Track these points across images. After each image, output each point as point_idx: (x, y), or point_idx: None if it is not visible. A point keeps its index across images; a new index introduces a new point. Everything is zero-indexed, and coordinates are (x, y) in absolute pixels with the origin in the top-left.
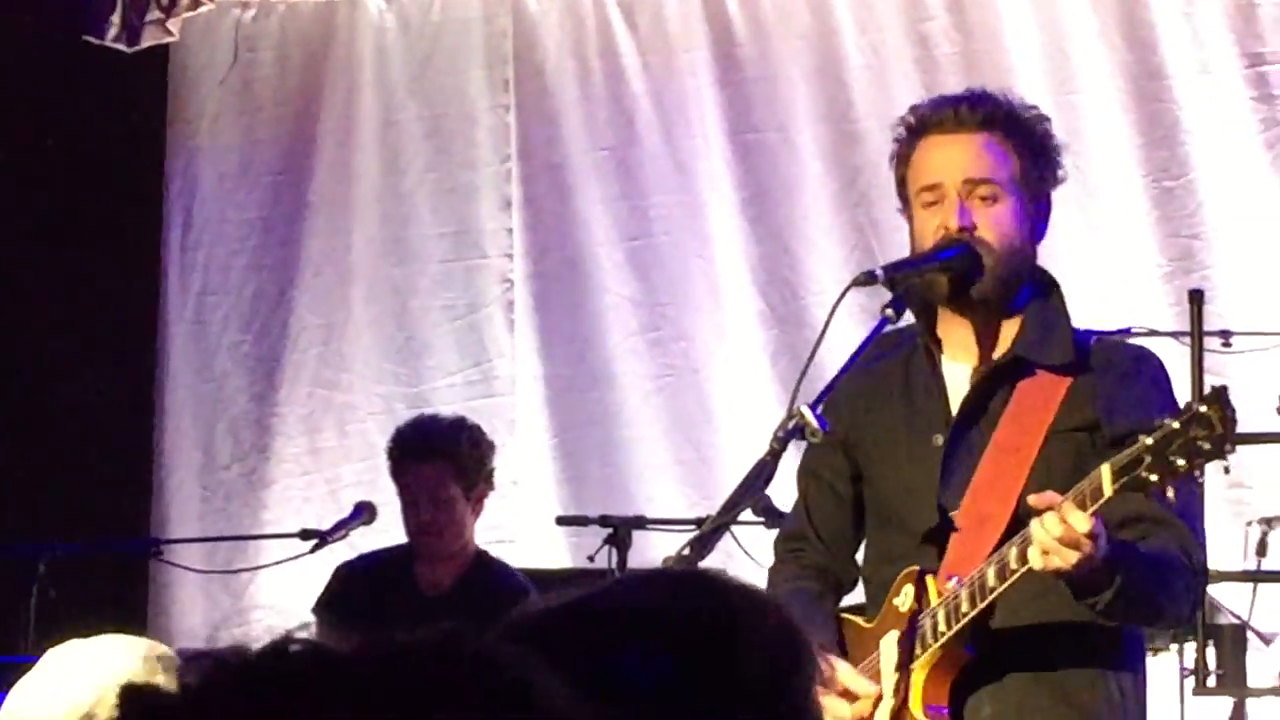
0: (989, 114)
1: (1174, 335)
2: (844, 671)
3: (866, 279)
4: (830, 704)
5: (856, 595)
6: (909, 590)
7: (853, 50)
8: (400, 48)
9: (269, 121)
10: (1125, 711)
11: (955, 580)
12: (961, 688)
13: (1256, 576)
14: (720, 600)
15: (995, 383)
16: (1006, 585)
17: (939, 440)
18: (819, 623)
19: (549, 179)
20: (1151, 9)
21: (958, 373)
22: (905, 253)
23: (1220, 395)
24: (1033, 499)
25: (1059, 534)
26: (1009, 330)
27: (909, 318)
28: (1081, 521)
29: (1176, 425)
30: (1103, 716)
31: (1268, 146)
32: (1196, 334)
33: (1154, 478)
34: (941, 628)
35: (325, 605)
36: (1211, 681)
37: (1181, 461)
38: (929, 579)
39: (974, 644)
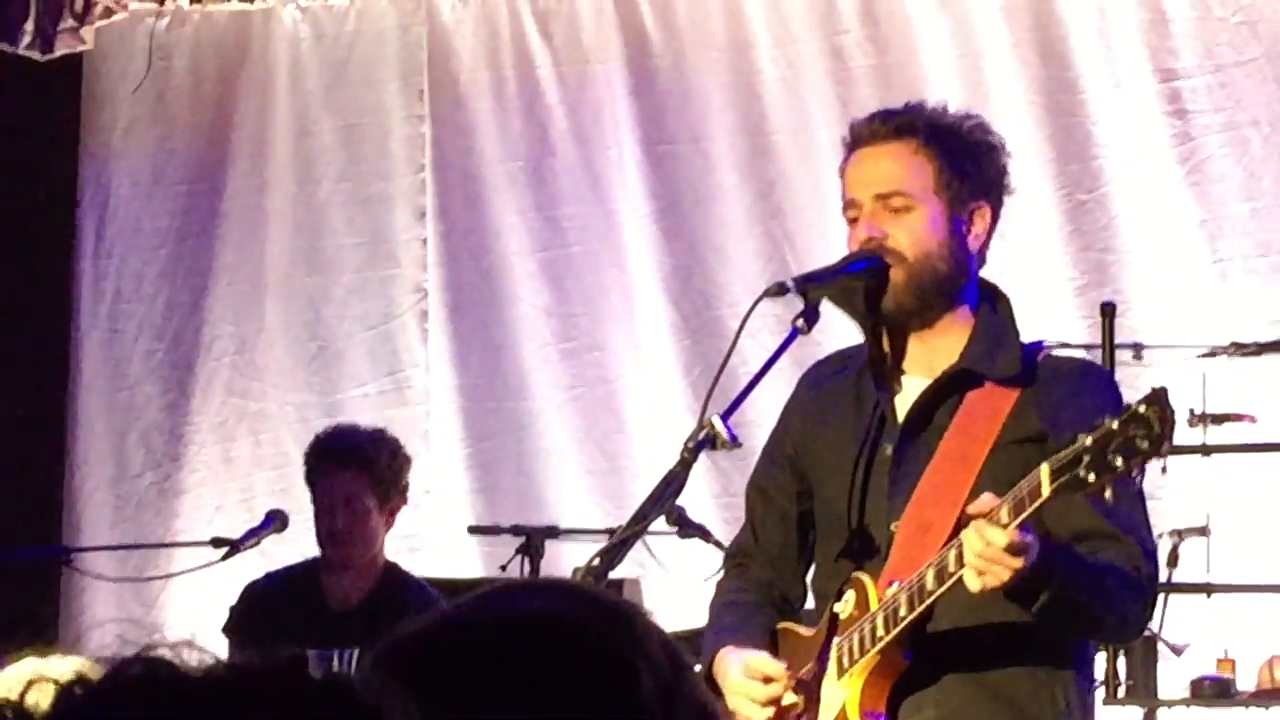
0: (903, 123)
1: (1086, 348)
2: (755, 658)
3: (778, 290)
4: (748, 688)
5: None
6: (850, 596)
7: (767, 63)
8: (315, 57)
9: (183, 130)
10: None
11: (895, 585)
12: (900, 693)
13: (1168, 588)
14: (614, 614)
15: (943, 394)
16: (945, 588)
17: (889, 450)
18: (752, 630)
19: (463, 189)
20: (1066, 24)
21: (910, 385)
22: (820, 264)
23: (1160, 396)
24: (971, 506)
25: (979, 550)
26: (957, 341)
27: (833, 331)
28: (999, 537)
29: (1115, 425)
30: None
31: (1180, 161)
32: (1108, 347)
33: (1091, 477)
34: (880, 632)
35: (234, 627)
36: (1122, 692)
37: (1119, 461)
38: (869, 584)
39: (913, 649)
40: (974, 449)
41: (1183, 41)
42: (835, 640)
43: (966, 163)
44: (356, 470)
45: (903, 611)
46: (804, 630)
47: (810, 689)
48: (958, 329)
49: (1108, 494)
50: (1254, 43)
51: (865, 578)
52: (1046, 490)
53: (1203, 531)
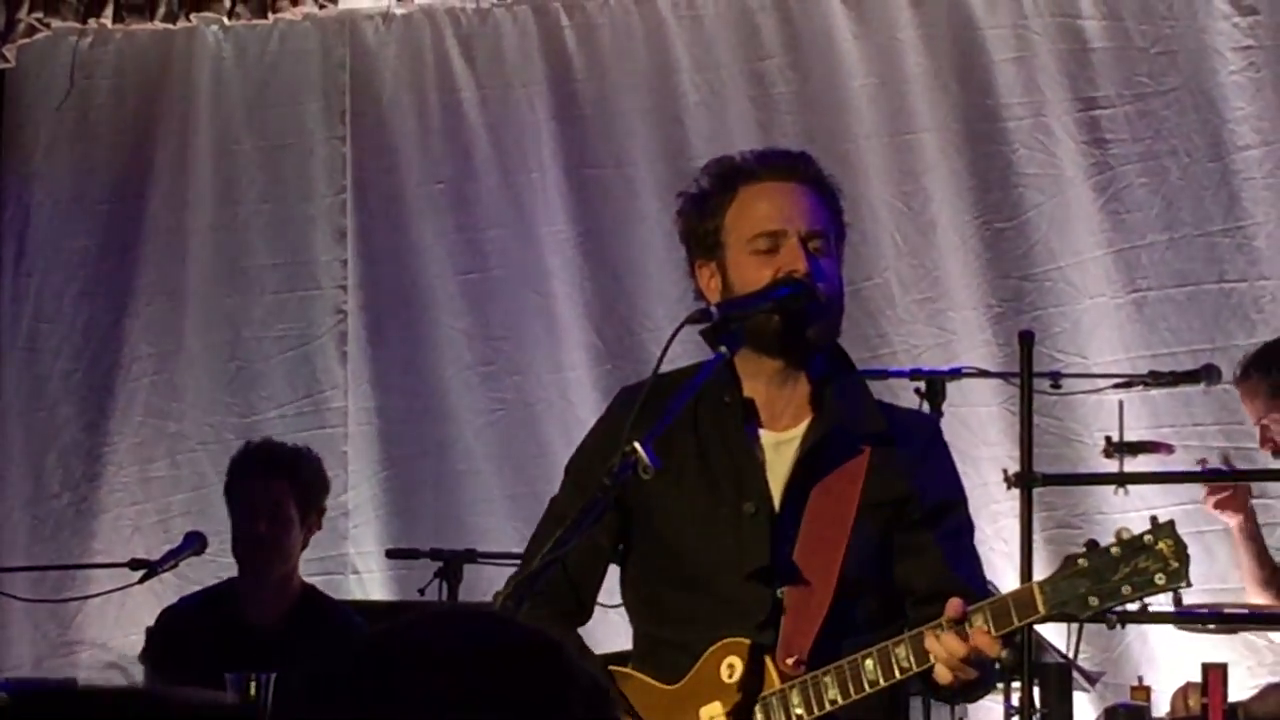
0: (818, 171)
1: (1003, 376)
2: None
3: (701, 316)
4: None
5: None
6: (735, 663)
7: (689, 88)
8: (237, 77)
9: (105, 149)
10: None
11: (795, 659)
12: None
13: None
14: (542, 644)
15: (810, 453)
16: (895, 681)
17: (750, 509)
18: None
19: (384, 211)
20: (987, 53)
21: (765, 438)
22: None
23: (1171, 530)
24: (949, 610)
25: (964, 655)
26: (804, 396)
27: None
28: (993, 648)
29: (1118, 553)
30: None
31: (1099, 190)
32: (1026, 375)
33: (1095, 601)
34: (799, 710)
35: (151, 652)
36: (1036, 719)
37: (1129, 589)
38: (766, 656)
39: None
40: (841, 511)
41: (1103, 71)
42: (718, 705)
43: (843, 225)
44: (282, 479)
45: (832, 694)
46: (657, 683)
47: None
48: (805, 384)
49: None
50: (1173, 73)
51: (757, 647)
52: (1043, 609)
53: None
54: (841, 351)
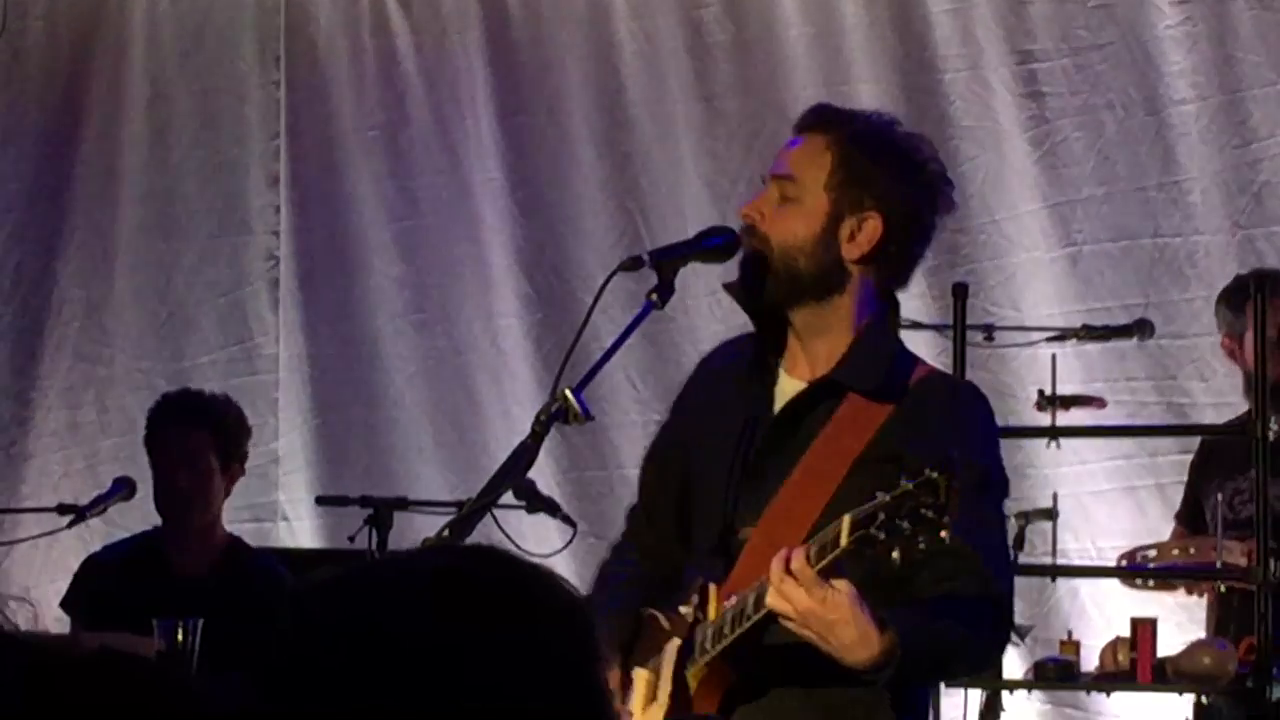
0: (825, 118)
1: (937, 328)
2: None
3: (632, 264)
4: None
5: None
6: (695, 599)
7: (625, 36)
8: (171, 20)
9: (36, 92)
10: None
11: (732, 599)
12: (734, 701)
13: (1013, 570)
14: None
15: (813, 403)
16: (753, 622)
17: (745, 451)
18: (617, 610)
19: (318, 157)
20: (924, 3)
21: (786, 387)
22: (675, 238)
23: (950, 462)
24: (777, 557)
25: (785, 610)
26: (835, 349)
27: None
28: (801, 599)
29: (911, 486)
30: None
31: (1034, 144)
32: (959, 328)
33: (881, 536)
34: (708, 645)
35: (73, 600)
36: None
37: (906, 525)
38: (712, 592)
39: (744, 662)
40: (835, 465)
41: (1040, 24)
42: (677, 641)
43: (869, 169)
44: (201, 429)
45: (726, 630)
46: (664, 620)
47: (650, 684)
48: (835, 336)
49: (895, 555)
50: (1111, 26)
51: (711, 584)
52: (844, 542)
53: (1049, 514)
54: (889, 302)
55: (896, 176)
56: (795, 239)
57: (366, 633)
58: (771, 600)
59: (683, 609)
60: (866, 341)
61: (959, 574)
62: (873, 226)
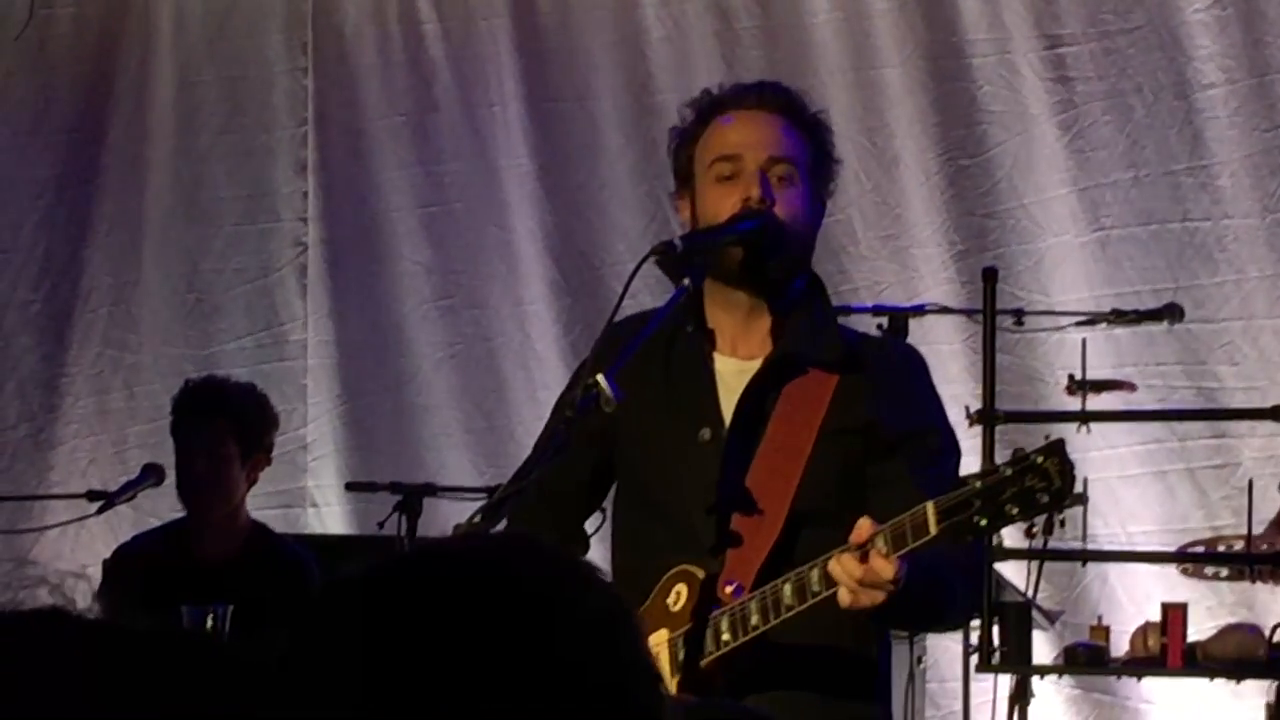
0: (792, 101)
1: (966, 313)
2: None
3: (664, 250)
4: None
5: None
6: (682, 590)
7: (654, 22)
8: (198, 7)
9: (64, 79)
10: None
11: (735, 587)
12: (730, 691)
13: (1043, 555)
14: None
15: (766, 380)
16: (807, 606)
17: (706, 435)
18: None
19: (345, 143)
20: None
21: (724, 366)
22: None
23: (1058, 448)
24: (853, 535)
25: (860, 576)
26: (774, 325)
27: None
28: (888, 570)
29: (1010, 473)
30: None
31: (1063, 128)
32: (989, 312)
33: (983, 522)
34: (725, 636)
35: (104, 591)
36: (995, 659)
37: (1015, 511)
38: (708, 584)
39: (749, 651)
40: (798, 440)
41: (1068, 8)
42: (665, 633)
43: (827, 156)
44: (220, 418)
45: (754, 620)
46: None
47: None
48: (777, 313)
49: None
50: (1139, 10)
51: (699, 574)
52: (933, 530)
53: (1079, 499)
54: (817, 281)
55: (833, 161)
56: (803, 220)
57: (402, 633)
58: (846, 568)
59: (666, 600)
60: (809, 315)
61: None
62: (823, 209)
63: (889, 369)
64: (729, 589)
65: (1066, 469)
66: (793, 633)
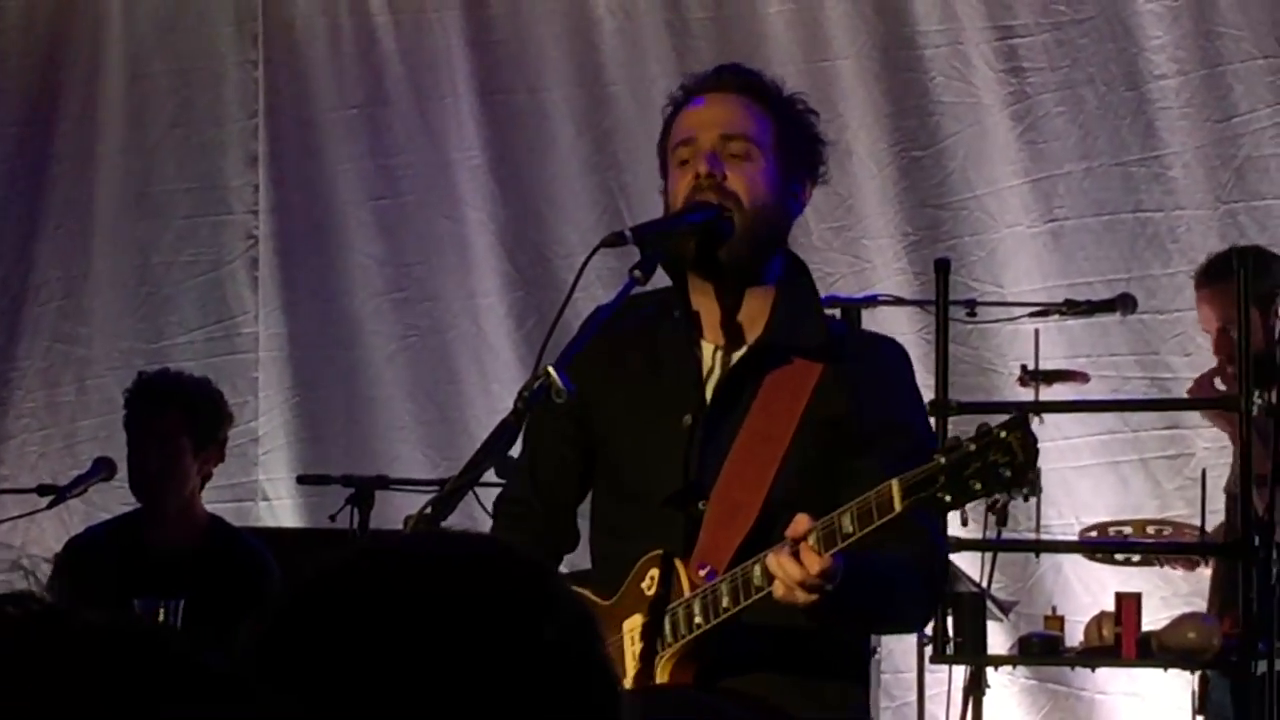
0: (751, 81)
1: (919, 304)
2: None
3: (615, 240)
4: None
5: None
6: (654, 574)
7: (605, 13)
8: (148, 0)
9: (14, 72)
10: None
11: (708, 570)
12: (708, 674)
13: (997, 545)
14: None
15: (748, 367)
16: (761, 595)
17: (687, 421)
18: None
19: (296, 136)
20: None
21: (707, 352)
22: (655, 215)
23: (1022, 422)
24: (789, 529)
25: (798, 577)
26: (759, 311)
27: (659, 280)
28: (816, 565)
29: (973, 448)
30: None
31: (1016, 119)
32: (942, 304)
33: (948, 498)
34: (698, 619)
35: (55, 583)
36: (950, 649)
37: (978, 485)
38: (679, 565)
39: (726, 634)
40: (779, 427)
41: None
42: (639, 618)
43: (799, 135)
44: (172, 410)
45: (725, 603)
46: (597, 598)
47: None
48: (760, 297)
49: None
50: (1090, 1)
51: (674, 558)
52: (899, 506)
53: (1032, 490)
54: (798, 264)
55: (814, 143)
56: (765, 196)
57: (365, 630)
58: (780, 564)
59: (641, 584)
60: (792, 300)
61: (906, 547)
62: (806, 190)
63: (871, 363)
64: (701, 573)
65: (1030, 442)
66: (771, 615)
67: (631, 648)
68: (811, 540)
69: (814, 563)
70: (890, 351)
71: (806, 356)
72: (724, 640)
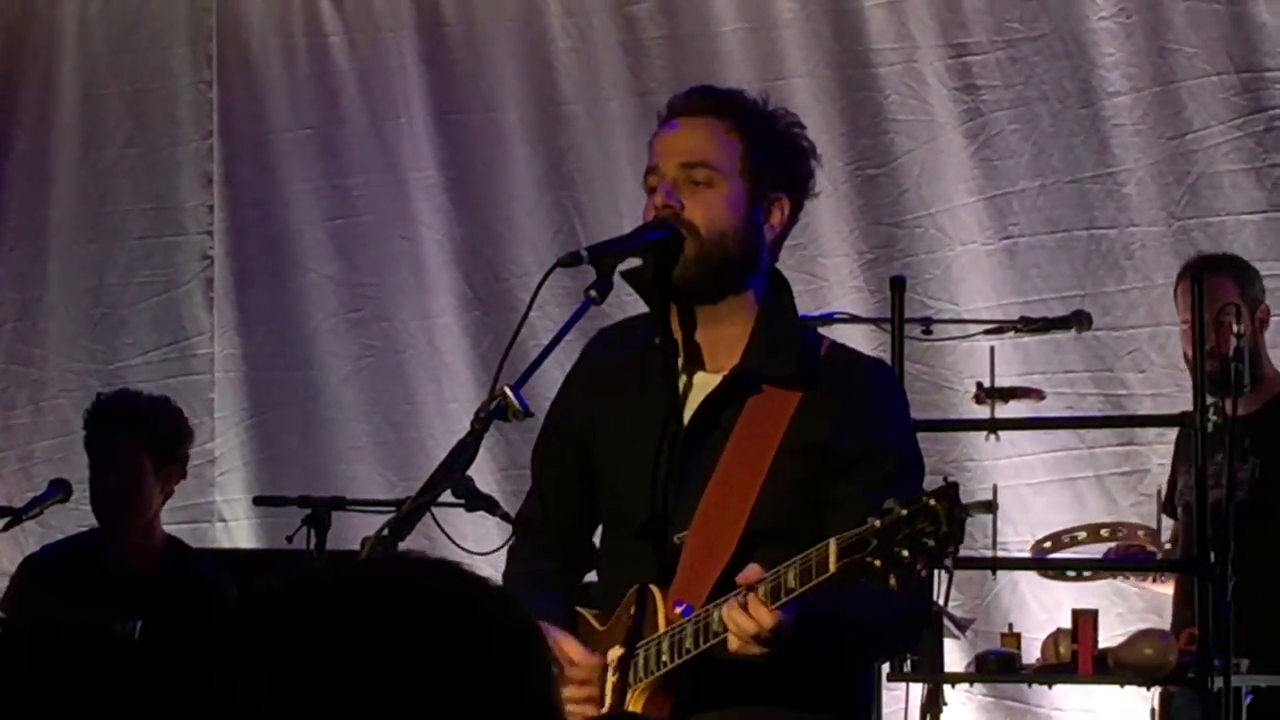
0: (720, 102)
1: (875, 322)
2: (568, 645)
3: (571, 260)
4: (573, 673)
5: None
6: (633, 607)
7: (559, 33)
8: (103, 19)
9: None
10: None
11: (685, 608)
12: (685, 707)
13: (953, 563)
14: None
15: (726, 394)
16: (713, 644)
17: (664, 450)
18: (553, 600)
19: (251, 156)
20: None
21: (688, 379)
22: (611, 235)
23: (949, 491)
24: (740, 576)
25: (750, 631)
26: (738, 336)
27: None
28: (767, 619)
29: (904, 513)
30: None
31: (970, 136)
32: (897, 322)
33: (877, 563)
34: (665, 657)
35: (11, 601)
36: (907, 667)
37: (905, 553)
38: (659, 599)
39: (698, 674)
40: (757, 457)
41: (974, 16)
42: (619, 650)
43: (774, 153)
44: (134, 430)
45: (688, 644)
46: (595, 621)
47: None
48: (741, 321)
49: (892, 581)
50: (1044, 18)
51: (656, 591)
52: (833, 568)
53: (988, 507)
54: (780, 285)
55: (794, 158)
56: (725, 223)
57: (315, 650)
58: (731, 616)
59: (624, 616)
60: (771, 326)
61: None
62: (781, 209)
63: (852, 386)
64: (678, 610)
65: (955, 512)
66: (767, 683)
67: (610, 678)
68: (761, 591)
69: (763, 616)
70: (874, 373)
71: (784, 385)
72: (701, 673)
